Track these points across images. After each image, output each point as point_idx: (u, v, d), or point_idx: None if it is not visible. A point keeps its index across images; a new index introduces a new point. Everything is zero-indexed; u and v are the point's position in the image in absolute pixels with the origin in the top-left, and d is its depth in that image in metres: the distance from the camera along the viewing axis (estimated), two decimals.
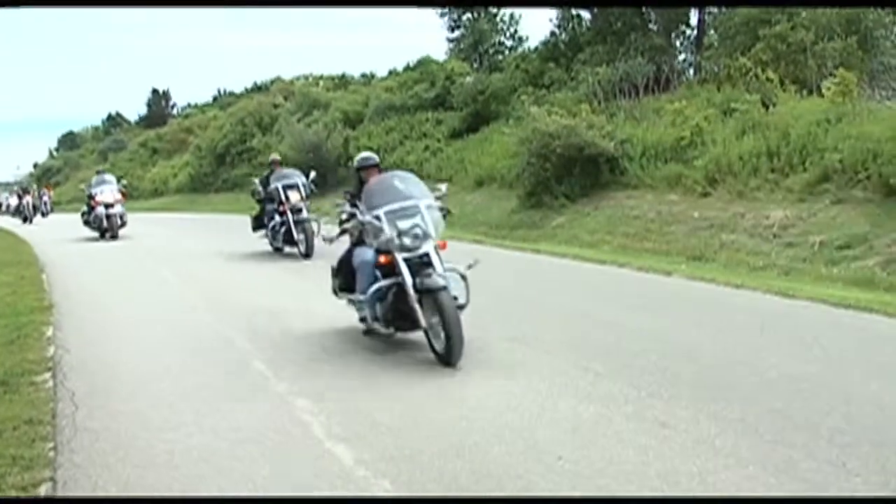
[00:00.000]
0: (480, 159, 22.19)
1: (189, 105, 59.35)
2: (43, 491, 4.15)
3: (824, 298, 8.63)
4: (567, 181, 16.80)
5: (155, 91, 63.51)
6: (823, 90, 14.65)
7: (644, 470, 4.18)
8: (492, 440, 4.67)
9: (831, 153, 12.60)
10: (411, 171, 8.97)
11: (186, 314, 9.16)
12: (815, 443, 4.47)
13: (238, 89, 53.28)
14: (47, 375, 6.30)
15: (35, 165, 71.07)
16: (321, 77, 43.66)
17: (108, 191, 19.90)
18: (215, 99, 55.40)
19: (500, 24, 33.65)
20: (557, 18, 25.96)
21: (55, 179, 56.98)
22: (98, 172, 23.23)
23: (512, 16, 33.87)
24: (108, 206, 19.54)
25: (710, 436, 4.63)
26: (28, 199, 32.41)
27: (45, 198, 36.25)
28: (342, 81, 42.09)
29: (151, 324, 8.60)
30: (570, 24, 25.76)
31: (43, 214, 34.16)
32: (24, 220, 31.01)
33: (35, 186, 38.78)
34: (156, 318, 8.94)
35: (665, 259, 12.25)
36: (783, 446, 4.44)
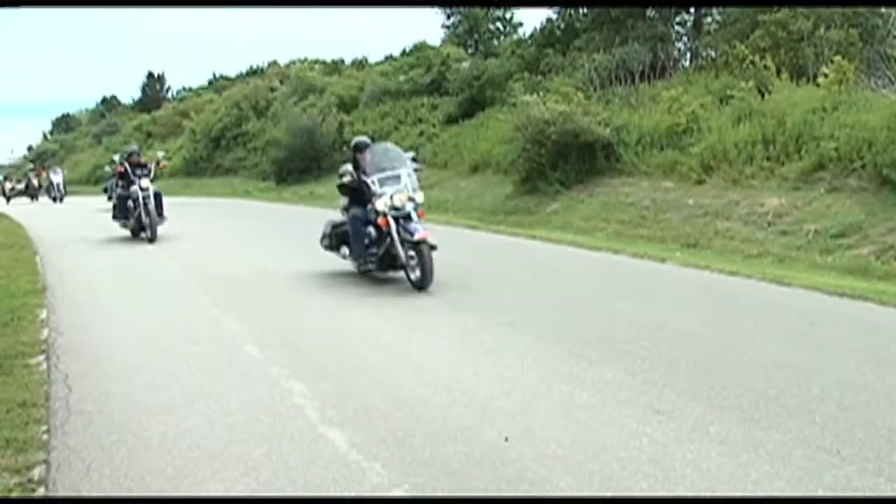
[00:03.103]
0: (476, 145, 22.11)
1: (184, 88, 59.13)
2: (36, 473, 4.13)
3: (819, 286, 8.64)
4: (562, 167, 16.78)
5: (150, 74, 63.29)
6: (819, 78, 14.63)
7: (637, 456, 4.18)
8: (484, 425, 4.67)
9: (827, 142, 12.61)
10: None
11: (180, 296, 9.13)
12: (810, 430, 4.47)
13: (233, 73, 53.23)
14: (41, 358, 6.29)
15: (30, 148, 70.87)
16: (316, 61, 43.46)
17: None
18: (210, 83, 55.12)
19: (496, 13, 33.41)
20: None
21: (49, 163, 56.74)
22: None
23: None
24: None
25: (705, 423, 4.63)
26: (144, 183, 14.39)
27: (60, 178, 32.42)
28: (337, 66, 41.91)
29: (145, 307, 8.58)
30: (568, 11, 25.67)
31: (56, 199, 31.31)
32: (140, 230, 14.46)
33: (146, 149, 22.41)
34: (150, 301, 8.92)
35: (660, 246, 12.24)
36: (778, 433, 4.44)
